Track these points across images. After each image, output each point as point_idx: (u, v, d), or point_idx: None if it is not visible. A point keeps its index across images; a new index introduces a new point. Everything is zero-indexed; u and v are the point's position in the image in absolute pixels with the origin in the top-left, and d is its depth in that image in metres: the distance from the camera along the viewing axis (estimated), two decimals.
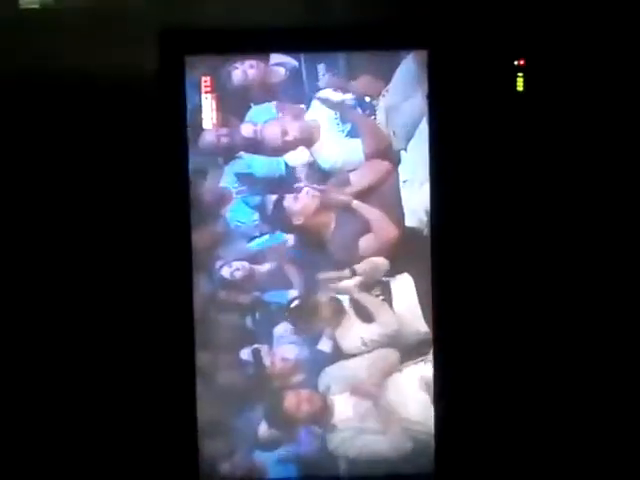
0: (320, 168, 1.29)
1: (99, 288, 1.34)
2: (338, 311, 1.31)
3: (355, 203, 1.30)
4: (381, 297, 1.31)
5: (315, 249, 1.30)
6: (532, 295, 1.35)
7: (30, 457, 1.36)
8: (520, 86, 1.32)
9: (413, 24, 1.30)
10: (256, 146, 1.29)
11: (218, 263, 1.30)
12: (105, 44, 1.30)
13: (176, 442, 1.31)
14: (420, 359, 1.31)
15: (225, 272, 1.30)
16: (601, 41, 1.32)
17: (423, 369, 1.32)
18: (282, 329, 1.31)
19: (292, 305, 1.30)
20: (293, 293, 1.30)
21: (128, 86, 1.30)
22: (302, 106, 1.29)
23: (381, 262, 1.30)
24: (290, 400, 1.32)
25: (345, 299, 1.31)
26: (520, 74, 1.32)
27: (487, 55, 1.31)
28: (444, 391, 1.31)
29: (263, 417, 1.32)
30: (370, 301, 1.31)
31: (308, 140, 1.30)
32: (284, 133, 1.29)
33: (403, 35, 1.29)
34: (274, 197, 1.30)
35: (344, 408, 1.32)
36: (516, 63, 1.32)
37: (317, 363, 1.31)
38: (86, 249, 1.34)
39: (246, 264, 1.30)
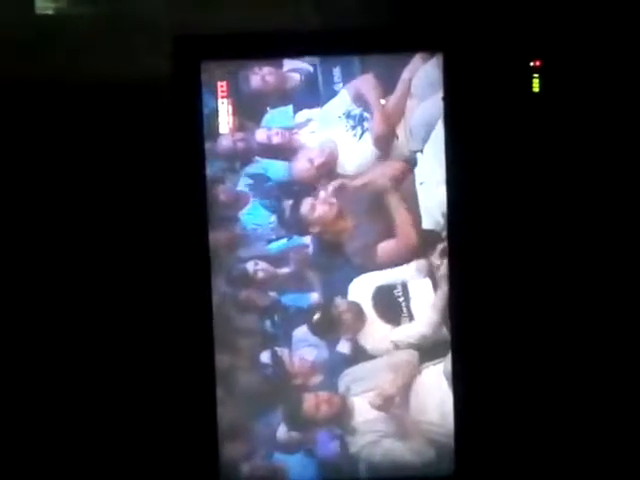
0: (337, 172, 1.30)
1: (119, 292, 1.35)
2: (358, 314, 1.32)
3: (372, 205, 1.30)
4: (400, 299, 1.31)
5: (333, 252, 1.30)
6: (550, 295, 1.35)
7: (48, 459, 1.37)
8: (536, 87, 1.32)
9: (428, 26, 1.30)
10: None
11: (235, 266, 1.31)
12: (121, 50, 1.30)
13: (196, 445, 1.31)
14: (439, 361, 1.32)
15: (248, 267, 1.30)
16: (617, 42, 1.31)
17: (443, 371, 1.32)
18: (302, 332, 1.32)
19: (315, 317, 1.32)
20: (313, 296, 1.31)
21: (145, 91, 1.30)
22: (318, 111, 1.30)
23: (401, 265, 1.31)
24: (309, 402, 1.33)
25: (364, 301, 1.32)
26: (536, 75, 1.32)
27: (503, 56, 1.31)
28: (464, 393, 1.31)
29: (283, 419, 1.33)
30: (390, 303, 1.31)
31: (331, 165, 1.30)
32: (310, 164, 1.30)
33: (418, 38, 1.28)
34: (291, 200, 1.30)
35: (364, 410, 1.33)
36: (532, 64, 1.32)
37: (337, 365, 1.32)
38: (104, 253, 1.35)
39: (267, 265, 1.31)
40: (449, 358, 1.31)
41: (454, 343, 1.31)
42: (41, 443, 1.37)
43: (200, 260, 1.30)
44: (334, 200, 1.30)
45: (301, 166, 1.30)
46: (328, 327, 1.31)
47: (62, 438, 1.37)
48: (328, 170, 1.30)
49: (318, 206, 1.30)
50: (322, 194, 1.29)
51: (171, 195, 1.30)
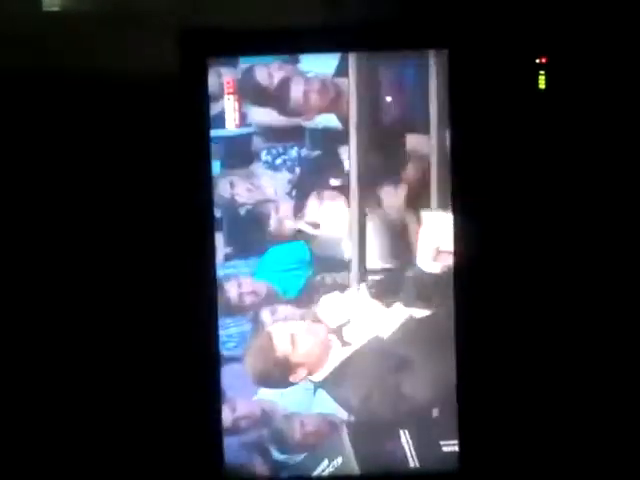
0: None
1: (123, 285, 1.36)
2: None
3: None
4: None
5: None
6: (554, 292, 1.35)
7: (56, 452, 1.38)
8: (542, 84, 1.32)
9: (434, 23, 1.30)
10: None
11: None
12: (128, 46, 1.31)
13: (200, 440, 1.32)
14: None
15: None
16: (622, 39, 1.31)
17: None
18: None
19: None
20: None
21: (152, 87, 1.31)
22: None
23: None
24: None
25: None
26: (542, 72, 1.32)
27: (508, 53, 1.31)
28: (468, 389, 1.32)
29: None
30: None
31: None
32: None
33: (424, 34, 1.29)
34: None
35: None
36: (538, 61, 1.32)
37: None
38: (108, 248, 1.35)
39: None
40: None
41: (459, 338, 1.31)
42: (44, 438, 1.38)
43: (206, 255, 1.30)
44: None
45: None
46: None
47: (65, 434, 1.37)
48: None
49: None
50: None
51: (176, 192, 1.30)
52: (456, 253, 1.30)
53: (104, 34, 1.31)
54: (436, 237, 1.31)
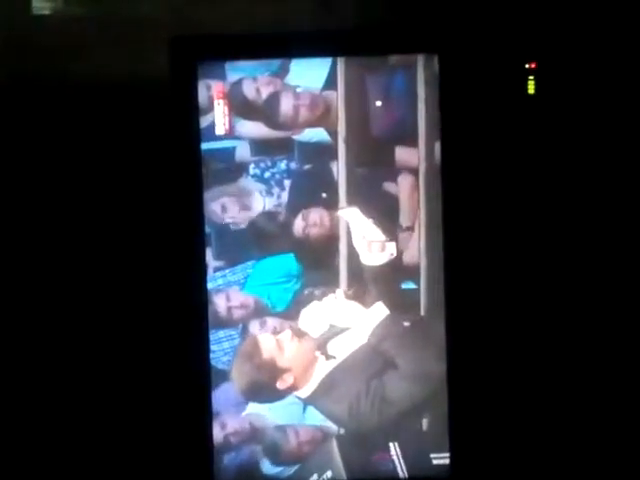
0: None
1: (113, 297, 1.35)
2: None
3: None
4: None
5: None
6: (544, 297, 1.36)
7: (46, 460, 1.37)
8: (531, 89, 1.34)
9: (423, 28, 1.31)
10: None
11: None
12: (117, 50, 1.31)
13: (191, 458, 1.29)
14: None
15: None
16: (612, 44, 1.33)
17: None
18: None
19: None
20: None
21: (141, 92, 1.31)
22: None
23: None
24: None
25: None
26: (531, 77, 1.34)
27: (498, 58, 1.32)
28: (459, 393, 1.31)
29: None
30: None
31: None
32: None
33: (413, 39, 1.29)
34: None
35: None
36: (527, 66, 1.34)
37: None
38: (99, 253, 1.35)
39: None
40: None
41: (450, 341, 1.30)
42: (39, 444, 1.37)
43: (195, 263, 1.28)
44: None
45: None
46: None
47: (55, 447, 1.36)
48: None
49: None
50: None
51: (166, 199, 1.29)
52: (447, 261, 1.30)
53: (93, 38, 1.31)
54: (363, 229, 1.31)
